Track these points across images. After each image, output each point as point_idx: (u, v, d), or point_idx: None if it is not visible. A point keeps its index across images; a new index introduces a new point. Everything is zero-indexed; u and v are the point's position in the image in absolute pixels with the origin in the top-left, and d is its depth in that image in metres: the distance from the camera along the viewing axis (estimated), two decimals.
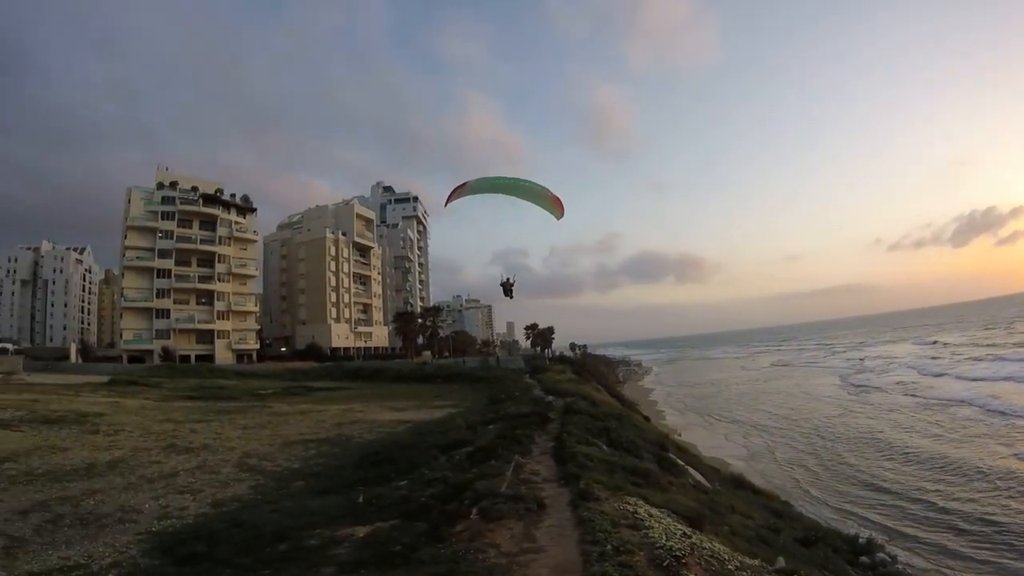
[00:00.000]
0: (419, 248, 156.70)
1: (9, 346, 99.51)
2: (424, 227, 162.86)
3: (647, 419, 45.32)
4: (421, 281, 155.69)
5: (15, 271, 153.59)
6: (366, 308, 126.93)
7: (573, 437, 17.41)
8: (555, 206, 21.60)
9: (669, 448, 24.66)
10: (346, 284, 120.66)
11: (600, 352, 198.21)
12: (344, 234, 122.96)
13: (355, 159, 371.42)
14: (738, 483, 24.66)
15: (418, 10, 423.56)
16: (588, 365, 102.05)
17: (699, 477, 20.96)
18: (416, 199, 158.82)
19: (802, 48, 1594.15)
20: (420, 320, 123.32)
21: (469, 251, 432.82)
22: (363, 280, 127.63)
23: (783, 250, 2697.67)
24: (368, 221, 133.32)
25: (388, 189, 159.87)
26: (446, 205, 23.97)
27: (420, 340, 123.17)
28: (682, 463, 22.36)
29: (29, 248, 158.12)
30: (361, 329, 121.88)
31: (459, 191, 21.62)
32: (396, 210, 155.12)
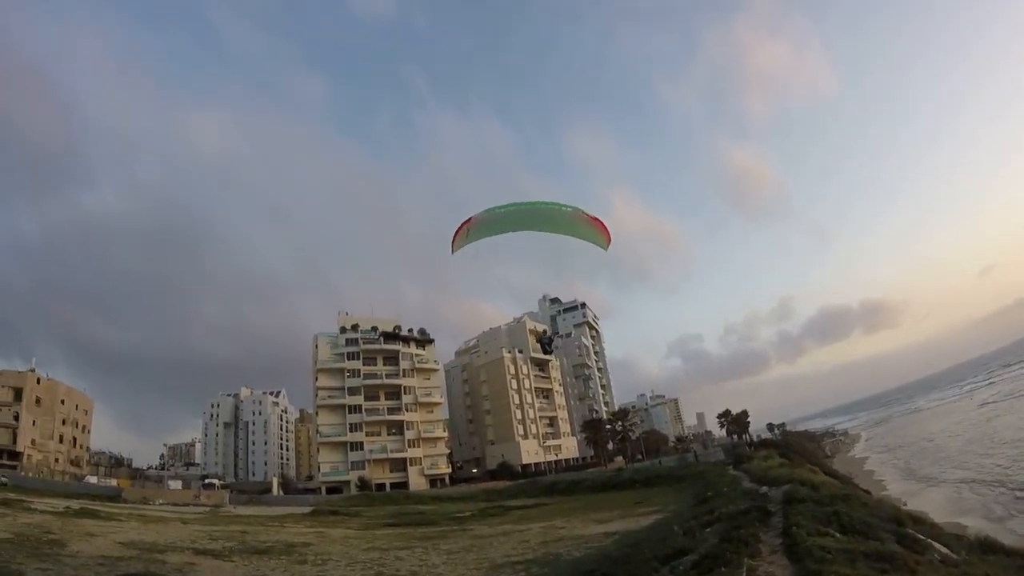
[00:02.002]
0: (595, 353, 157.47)
1: (216, 481, 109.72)
2: (597, 331, 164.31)
3: (868, 492, 42.04)
4: (603, 386, 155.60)
5: (218, 415, 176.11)
6: (552, 421, 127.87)
7: (802, 529, 16.26)
8: (597, 230, 19.30)
9: (906, 522, 22.52)
10: (529, 400, 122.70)
11: (801, 427, 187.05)
12: (520, 351, 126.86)
13: (515, 276, 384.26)
14: (987, 547, 21.41)
15: (541, 123, 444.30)
16: (793, 445, 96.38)
17: (943, 549, 18.67)
18: (583, 305, 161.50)
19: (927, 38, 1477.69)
20: (608, 425, 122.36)
21: (643, 347, 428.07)
22: (545, 394, 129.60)
23: (972, 265, 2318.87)
24: (541, 335, 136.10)
25: (555, 300, 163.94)
26: (453, 252, 20.65)
27: (611, 446, 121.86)
28: (923, 536, 20.40)
29: (230, 395, 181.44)
30: (550, 443, 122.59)
31: (464, 231, 19.53)
32: (566, 319, 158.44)
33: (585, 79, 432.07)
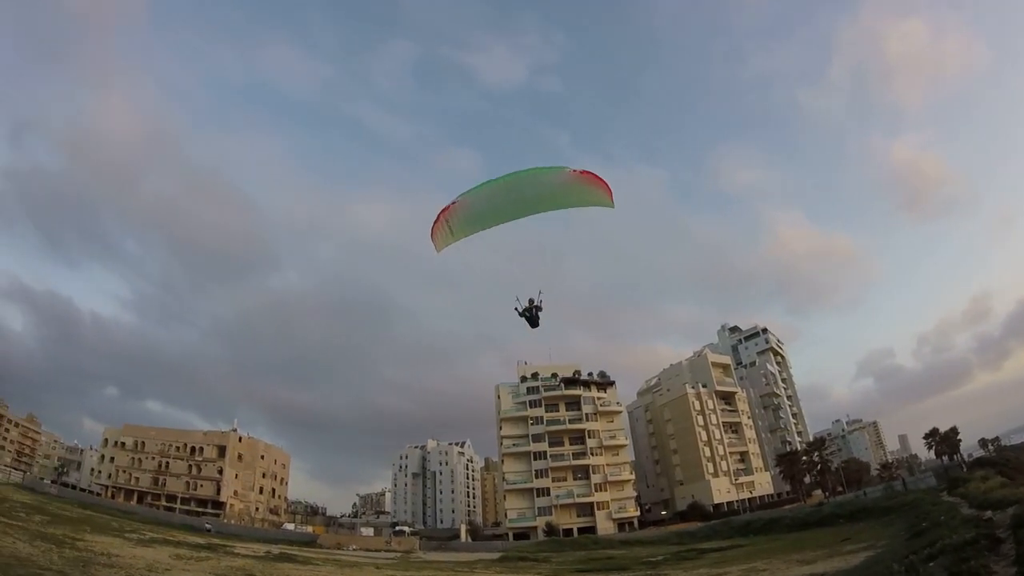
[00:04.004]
0: (782, 380, 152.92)
1: (406, 528, 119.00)
2: (782, 357, 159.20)
3: None
4: (794, 415, 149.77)
5: (407, 466, 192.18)
6: (743, 456, 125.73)
7: None
8: (594, 188, 17.49)
9: None
10: (717, 436, 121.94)
11: (1018, 440, 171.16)
12: (704, 386, 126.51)
13: (684, 314, 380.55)
14: None
15: (690, 160, 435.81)
16: (1012, 461, 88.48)
17: None
18: (765, 331, 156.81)
19: None
20: (804, 457, 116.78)
21: (830, 371, 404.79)
22: (733, 428, 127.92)
23: None
24: (724, 367, 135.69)
25: (735, 329, 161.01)
26: (438, 252, 19.82)
27: (807, 479, 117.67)
28: None
29: (417, 446, 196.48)
30: (742, 479, 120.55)
31: (444, 225, 18.27)
32: (748, 348, 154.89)
33: (725, 108, 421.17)
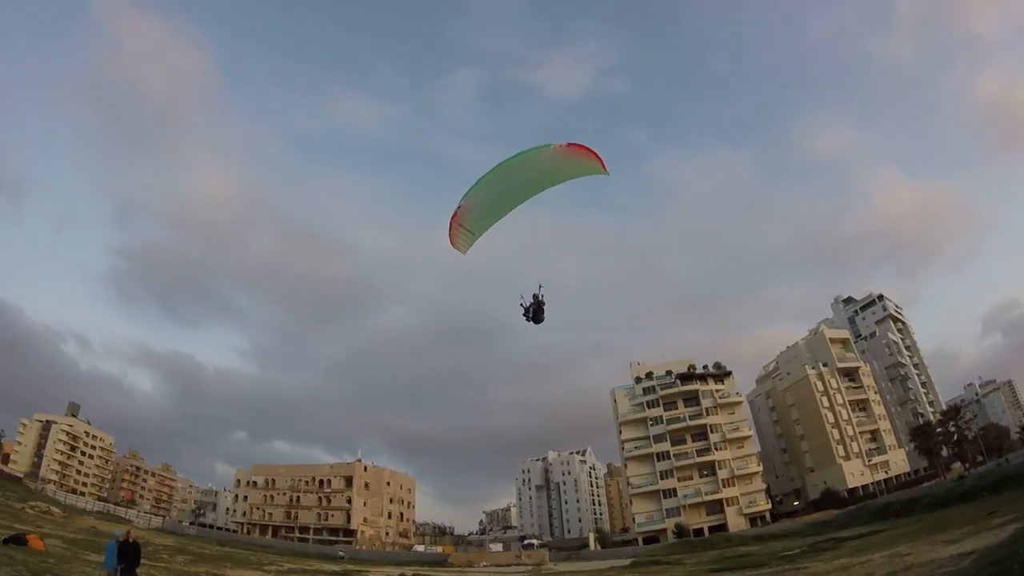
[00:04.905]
0: (906, 348, 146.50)
1: (535, 541, 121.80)
2: (904, 323, 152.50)
3: None
4: (923, 384, 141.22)
5: (530, 479, 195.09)
6: (874, 435, 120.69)
7: None
8: (582, 157, 17.35)
9: None
10: (845, 416, 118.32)
11: None
12: (825, 365, 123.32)
13: (794, 292, 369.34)
14: None
15: (770, 133, 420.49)
16: None
17: None
18: (881, 297, 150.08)
19: None
20: (939, 429, 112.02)
21: (952, 332, 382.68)
22: (861, 406, 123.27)
23: None
24: (844, 342, 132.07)
25: (849, 300, 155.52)
26: (464, 253, 19.97)
27: (944, 452, 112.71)
28: None
29: (538, 459, 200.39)
30: (875, 460, 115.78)
31: (458, 226, 18.71)
32: (866, 318, 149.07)
33: (797, 77, 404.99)
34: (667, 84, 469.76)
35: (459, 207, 18.18)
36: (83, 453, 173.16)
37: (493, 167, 17.53)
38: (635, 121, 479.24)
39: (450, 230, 18.71)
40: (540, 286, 20.49)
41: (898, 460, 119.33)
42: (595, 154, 17.07)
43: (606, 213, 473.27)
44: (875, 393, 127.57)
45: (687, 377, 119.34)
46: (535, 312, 20.64)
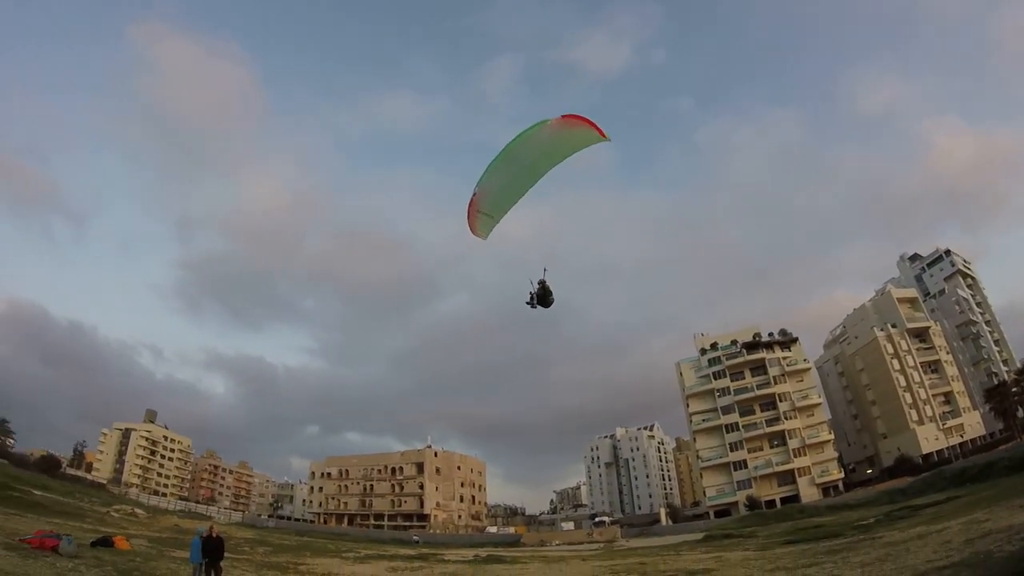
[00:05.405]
0: (977, 305, 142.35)
1: (606, 518, 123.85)
2: (973, 279, 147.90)
3: None
4: (996, 341, 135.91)
5: (599, 457, 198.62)
6: (947, 397, 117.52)
7: None
8: (580, 128, 16.86)
9: None
10: (916, 379, 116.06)
11: None
12: (894, 326, 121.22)
13: (856, 253, 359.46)
14: None
15: (821, 90, 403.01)
16: None
17: None
18: (949, 252, 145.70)
19: None
20: (1015, 388, 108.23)
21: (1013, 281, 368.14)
22: (933, 367, 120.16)
23: None
24: (912, 301, 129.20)
25: (915, 258, 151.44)
26: (485, 239, 19.87)
27: (1021, 413, 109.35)
28: None
29: (607, 436, 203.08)
30: (949, 423, 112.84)
31: (476, 213, 18.82)
32: (934, 275, 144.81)
33: (840, 29, 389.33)
34: (708, 52, 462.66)
35: (474, 194, 18.38)
36: (163, 456, 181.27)
37: (500, 151, 17.46)
38: (679, 91, 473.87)
39: (468, 217, 18.86)
40: (545, 270, 20.32)
41: (973, 423, 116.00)
42: (589, 122, 16.58)
43: (658, 188, 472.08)
44: (947, 353, 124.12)
45: (753, 346, 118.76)
46: (541, 297, 20.19)
